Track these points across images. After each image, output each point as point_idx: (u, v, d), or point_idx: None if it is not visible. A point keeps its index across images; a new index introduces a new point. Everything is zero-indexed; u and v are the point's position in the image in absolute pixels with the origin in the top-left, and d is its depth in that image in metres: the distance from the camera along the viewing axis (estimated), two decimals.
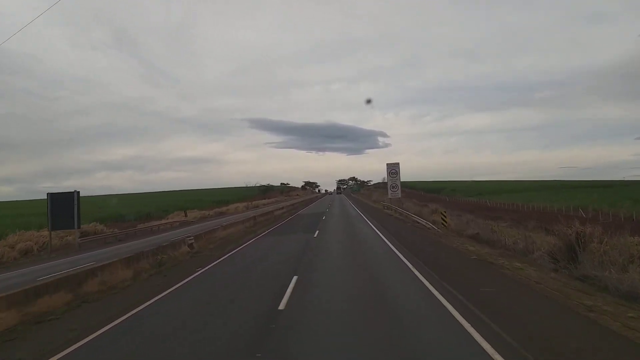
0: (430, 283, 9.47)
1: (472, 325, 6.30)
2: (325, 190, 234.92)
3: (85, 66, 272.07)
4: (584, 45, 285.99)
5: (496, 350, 5.29)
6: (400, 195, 35.96)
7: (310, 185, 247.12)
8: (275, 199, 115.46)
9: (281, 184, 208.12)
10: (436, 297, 8.21)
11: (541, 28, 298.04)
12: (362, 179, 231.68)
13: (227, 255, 17.19)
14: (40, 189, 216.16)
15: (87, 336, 7.20)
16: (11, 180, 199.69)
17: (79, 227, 27.93)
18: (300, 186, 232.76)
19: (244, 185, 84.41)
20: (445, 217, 23.85)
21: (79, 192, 27.01)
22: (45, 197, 26.80)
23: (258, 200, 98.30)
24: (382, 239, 18.92)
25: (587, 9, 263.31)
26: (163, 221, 47.45)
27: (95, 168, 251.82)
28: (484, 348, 5.41)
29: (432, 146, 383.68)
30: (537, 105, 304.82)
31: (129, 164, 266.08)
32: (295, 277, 10.87)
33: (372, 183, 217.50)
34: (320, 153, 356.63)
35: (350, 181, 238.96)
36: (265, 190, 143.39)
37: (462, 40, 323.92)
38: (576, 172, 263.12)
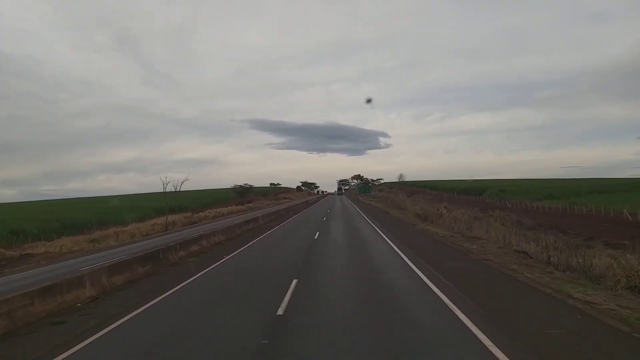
0: None
1: None
2: (324, 192, 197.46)
3: (86, 68, 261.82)
4: (585, 44, 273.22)
5: None
6: None
7: (307, 186, 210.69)
8: (248, 205, 78.16)
9: (270, 184, 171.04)
10: None
11: (542, 28, 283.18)
12: (367, 178, 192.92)
13: None
14: (42, 192, 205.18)
15: None
16: (13, 182, 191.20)
17: None
18: (295, 187, 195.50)
19: (163, 191, 43.66)
20: None
21: None
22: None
23: (211, 210, 61.00)
24: None
25: (588, 8, 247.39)
26: None
27: (97, 170, 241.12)
28: None
29: (433, 146, 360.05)
30: (538, 105, 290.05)
31: (130, 166, 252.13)
32: None
33: (382, 182, 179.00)
34: (321, 154, 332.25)
35: (353, 180, 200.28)
36: (243, 193, 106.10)
37: (463, 40, 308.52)
38: (578, 171, 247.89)
